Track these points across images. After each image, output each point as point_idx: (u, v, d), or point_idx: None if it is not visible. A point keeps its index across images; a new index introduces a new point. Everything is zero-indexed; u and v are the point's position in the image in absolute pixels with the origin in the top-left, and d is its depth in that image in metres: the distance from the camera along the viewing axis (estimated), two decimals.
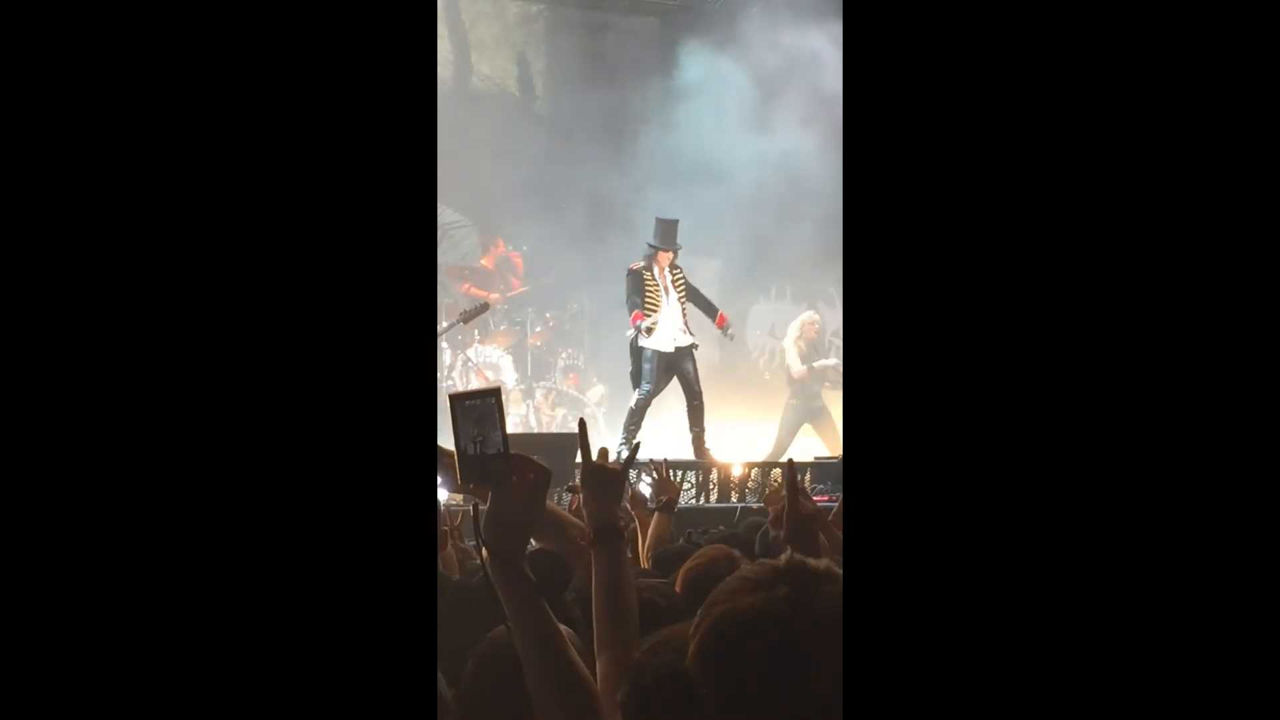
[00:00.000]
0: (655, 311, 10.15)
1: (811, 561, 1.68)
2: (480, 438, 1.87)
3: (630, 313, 10.14)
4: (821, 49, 12.65)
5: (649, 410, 10.25)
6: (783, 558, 1.69)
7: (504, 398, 1.92)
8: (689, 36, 13.20)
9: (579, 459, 2.26)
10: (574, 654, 1.86)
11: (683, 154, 12.64)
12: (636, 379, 10.28)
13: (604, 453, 2.55)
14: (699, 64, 13.08)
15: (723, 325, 10.52)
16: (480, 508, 1.89)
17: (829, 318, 14.01)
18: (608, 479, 2.28)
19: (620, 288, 10.44)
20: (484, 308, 9.84)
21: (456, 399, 1.89)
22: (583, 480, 2.30)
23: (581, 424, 2.40)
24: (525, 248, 12.99)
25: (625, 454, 4.43)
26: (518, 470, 1.88)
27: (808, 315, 12.95)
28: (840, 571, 1.68)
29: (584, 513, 2.26)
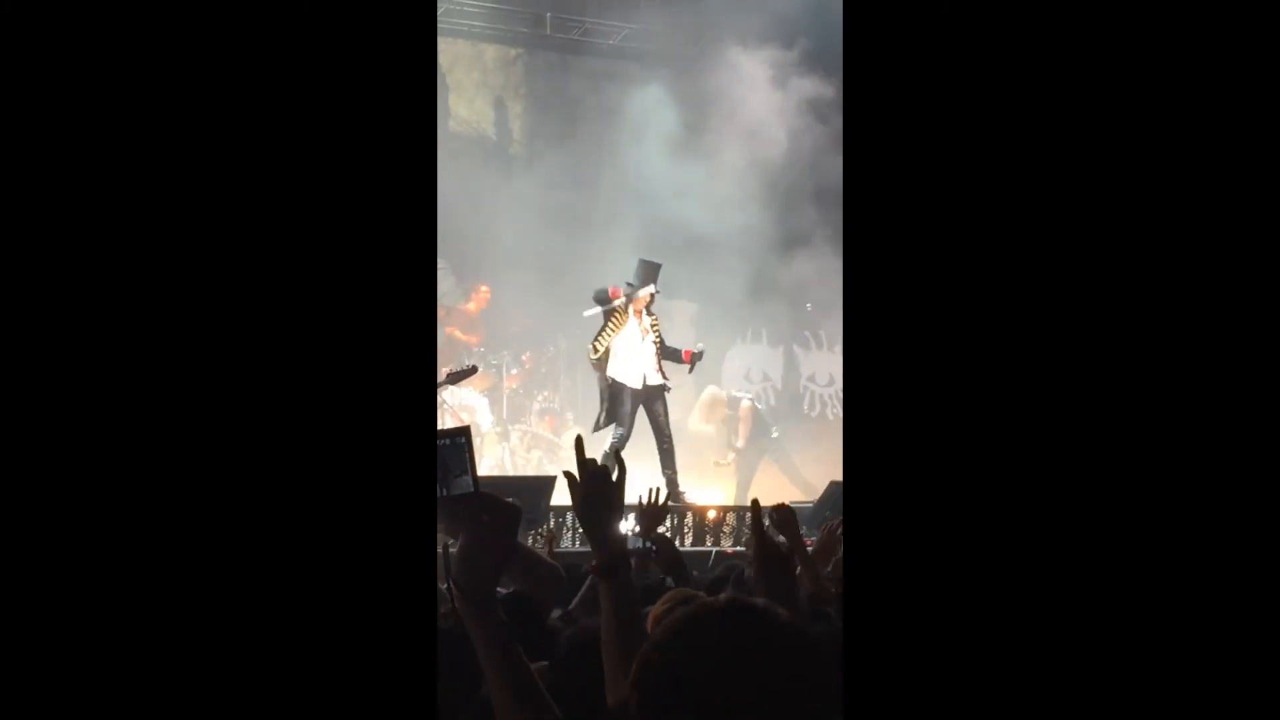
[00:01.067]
0: (611, 337, 10.07)
1: (751, 599, 1.70)
2: (450, 478, 1.87)
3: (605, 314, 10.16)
4: (800, 93, 12.73)
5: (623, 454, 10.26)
6: (722, 596, 1.71)
7: (474, 438, 1.91)
8: (667, 80, 13.28)
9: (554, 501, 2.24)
10: (546, 695, 1.84)
11: (659, 197, 12.69)
12: (611, 417, 10.21)
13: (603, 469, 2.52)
14: (675, 107, 13.15)
15: (689, 359, 10.50)
16: (451, 548, 1.88)
17: (804, 361, 14.05)
18: (614, 509, 2.26)
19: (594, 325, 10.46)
20: (472, 370, 9.82)
21: None
22: (581, 510, 2.27)
23: (579, 440, 2.35)
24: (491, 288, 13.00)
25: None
26: (488, 510, 1.87)
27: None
28: (781, 610, 1.70)
29: (591, 543, 2.24)
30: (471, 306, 13.07)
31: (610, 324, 10.11)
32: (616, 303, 10.04)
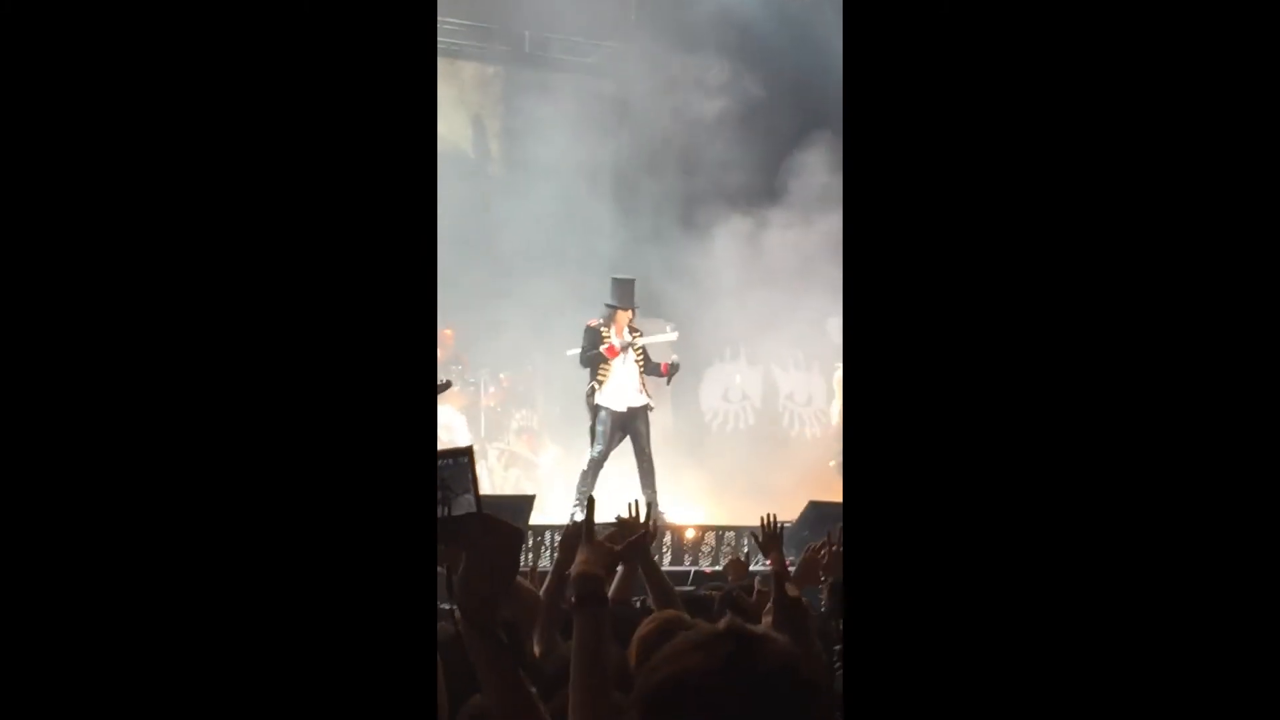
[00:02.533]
0: (607, 370, 10.22)
1: (750, 625, 1.71)
2: (452, 498, 1.85)
3: (593, 366, 10.24)
4: (783, 100, 12.77)
5: (601, 472, 10.28)
6: (722, 621, 1.71)
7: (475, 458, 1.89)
8: (645, 97, 13.30)
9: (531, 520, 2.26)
10: (542, 708, 1.82)
11: (637, 215, 12.71)
12: (590, 437, 10.35)
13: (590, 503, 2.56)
14: (654, 124, 13.17)
15: (666, 372, 10.58)
16: (451, 570, 1.85)
17: (781, 380, 14.05)
18: (597, 546, 2.27)
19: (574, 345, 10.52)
20: (446, 385, 9.81)
21: None
22: (564, 544, 2.31)
23: (590, 500, 2.44)
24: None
25: (582, 515, 4.36)
26: (490, 531, 1.84)
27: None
28: (780, 636, 1.70)
29: (571, 576, 2.24)
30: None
31: (602, 364, 10.22)
32: (603, 347, 10.13)
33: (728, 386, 13.87)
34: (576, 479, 10.45)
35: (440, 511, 1.85)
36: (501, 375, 12.95)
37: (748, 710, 1.61)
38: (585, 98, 13.35)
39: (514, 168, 13.34)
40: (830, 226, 11.44)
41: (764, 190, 12.83)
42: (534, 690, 2.04)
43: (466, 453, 1.87)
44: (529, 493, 10.65)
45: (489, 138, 14.08)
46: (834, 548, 4.77)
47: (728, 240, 12.70)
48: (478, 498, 1.85)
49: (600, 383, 10.29)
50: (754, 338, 13.62)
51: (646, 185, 12.87)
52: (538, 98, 13.29)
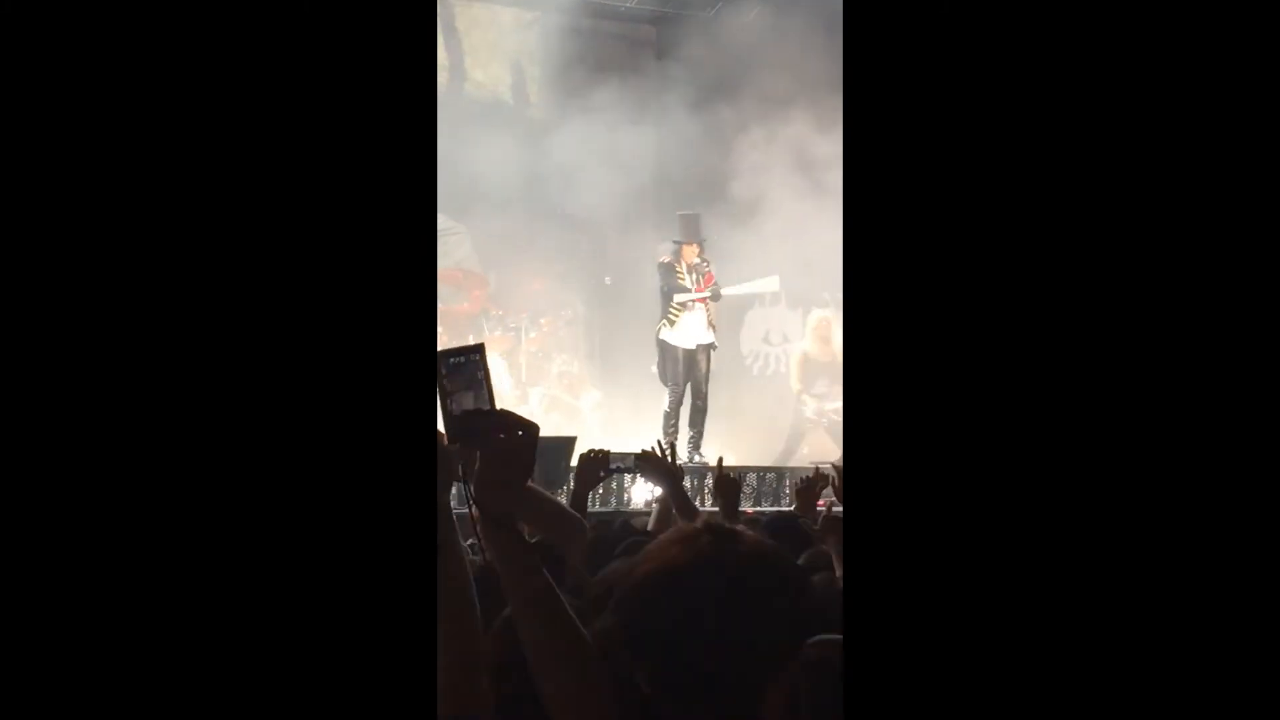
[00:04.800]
0: (679, 309, 10.31)
1: (729, 523, 1.76)
2: (462, 394, 1.85)
3: (669, 303, 10.28)
4: (819, 56, 12.63)
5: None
6: (700, 519, 1.73)
7: (487, 354, 1.89)
8: (684, 44, 13.21)
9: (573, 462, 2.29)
10: (571, 613, 1.81)
11: (676, 160, 12.65)
12: (662, 377, 10.46)
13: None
14: (693, 71, 13.08)
15: (710, 283, 10.62)
16: (467, 473, 1.85)
17: None
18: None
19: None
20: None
21: (441, 356, 1.87)
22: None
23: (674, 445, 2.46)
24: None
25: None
26: (505, 427, 1.83)
27: (819, 314, 13.05)
28: (751, 533, 1.74)
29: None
30: (466, 305, 13.00)
31: (674, 305, 10.28)
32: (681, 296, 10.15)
33: (768, 329, 13.84)
34: (617, 422, 10.54)
35: (450, 407, 1.85)
36: (542, 320, 12.97)
37: (723, 602, 1.64)
38: (624, 40, 13.27)
39: (553, 112, 13.29)
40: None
41: (816, 127, 12.69)
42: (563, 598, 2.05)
43: (478, 350, 1.87)
44: (570, 435, 10.70)
45: (528, 82, 14.03)
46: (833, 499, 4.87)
47: (774, 177, 12.61)
48: (491, 394, 1.85)
49: (671, 321, 10.38)
50: (796, 279, 13.56)
51: (687, 129, 12.78)
52: (576, 42, 13.22)
